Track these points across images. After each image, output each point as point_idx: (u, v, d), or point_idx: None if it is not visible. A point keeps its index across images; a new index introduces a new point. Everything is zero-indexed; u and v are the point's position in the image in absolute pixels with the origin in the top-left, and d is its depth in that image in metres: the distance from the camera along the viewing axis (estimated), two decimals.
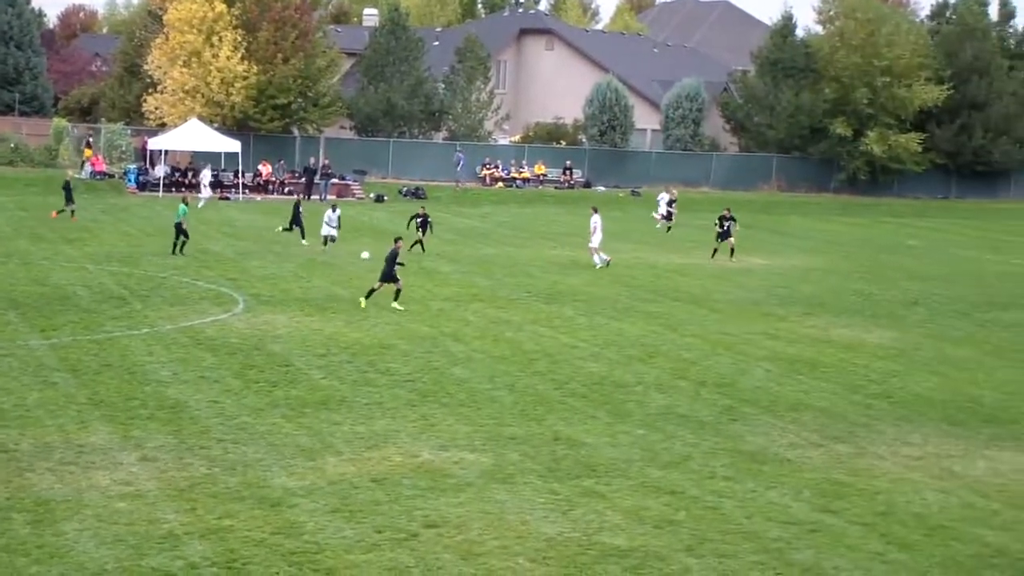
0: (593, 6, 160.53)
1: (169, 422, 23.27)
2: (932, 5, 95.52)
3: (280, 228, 51.06)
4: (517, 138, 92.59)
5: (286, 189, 72.52)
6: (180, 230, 45.16)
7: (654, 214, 64.14)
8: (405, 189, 74.95)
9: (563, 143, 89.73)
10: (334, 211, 48.14)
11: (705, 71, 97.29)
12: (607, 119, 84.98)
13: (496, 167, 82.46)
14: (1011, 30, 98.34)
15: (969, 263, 53.79)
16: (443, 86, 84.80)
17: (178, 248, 45.06)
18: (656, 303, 39.76)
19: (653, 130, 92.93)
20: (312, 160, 73.31)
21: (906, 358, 32.81)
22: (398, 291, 36.66)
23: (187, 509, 18.65)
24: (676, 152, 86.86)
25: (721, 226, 50.86)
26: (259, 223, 47.40)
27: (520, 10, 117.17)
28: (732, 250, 50.44)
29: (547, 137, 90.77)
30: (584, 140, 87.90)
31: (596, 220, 47.01)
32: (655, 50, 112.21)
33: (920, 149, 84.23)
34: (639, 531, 18.86)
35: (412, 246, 47.29)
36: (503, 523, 18.91)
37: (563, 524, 18.99)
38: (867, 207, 78.99)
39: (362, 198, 72.51)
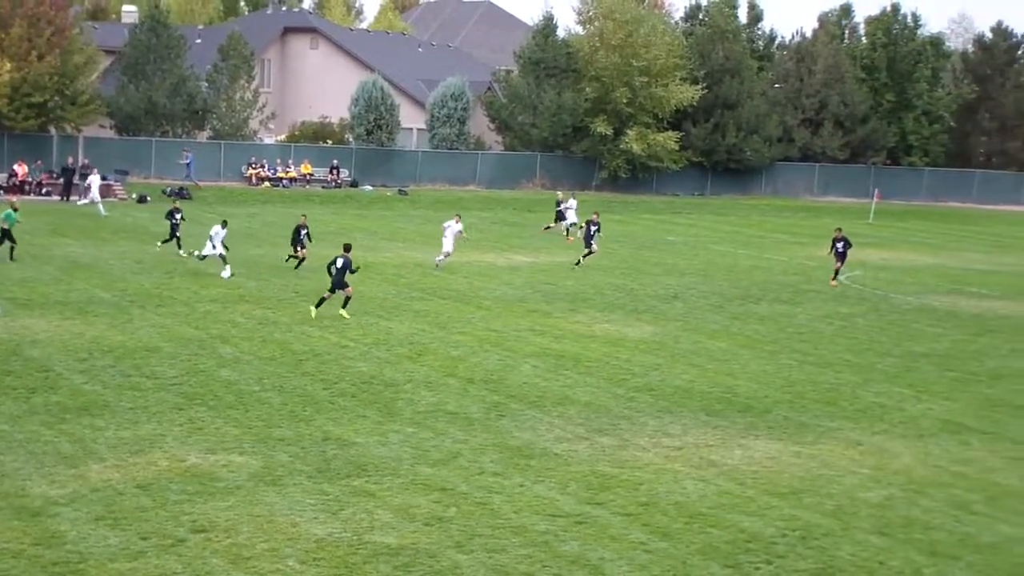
0: (357, 5, 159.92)
1: None
2: (686, 7, 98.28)
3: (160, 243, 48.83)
4: (283, 137, 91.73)
5: (44, 190, 70.42)
6: (6, 235, 44.39)
7: (562, 223, 61.48)
8: (169, 189, 73.53)
9: (329, 142, 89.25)
10: (223, 227, 43.98)
11: (469, 70, 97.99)
12: (373, 118, 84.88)
13: (262, 166, 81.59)
14: (759, 32, 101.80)
15: (724, 258, 55.54)
16: (206, 85, 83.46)
17: (12, 254, 44.29)
18: (424, 301, 40.00)
19: (419, 129, 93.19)
20: (71, 160, 71.30)
21: (666, 351, 33.75)
22: (347, 299, 36.49)
23: None
24: (442, 151, 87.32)
25: (588, 231, 50.96)
26: (17, 226, 46.06)
27: (284, 8, 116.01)
28: (589, 253, 50.47)
29: (313, 136, 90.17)
30: (351, 139, 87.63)
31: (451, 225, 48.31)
32: (420, 49, 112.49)
33: (677, 147, 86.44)
34: (409, 529, 19.03)
35: (289, 259, 46.31)
36: (272, 525, 18.86)
37: (333, 524, 19.04)
38: (628, 204, 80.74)
39: (124, 199, 70.88)
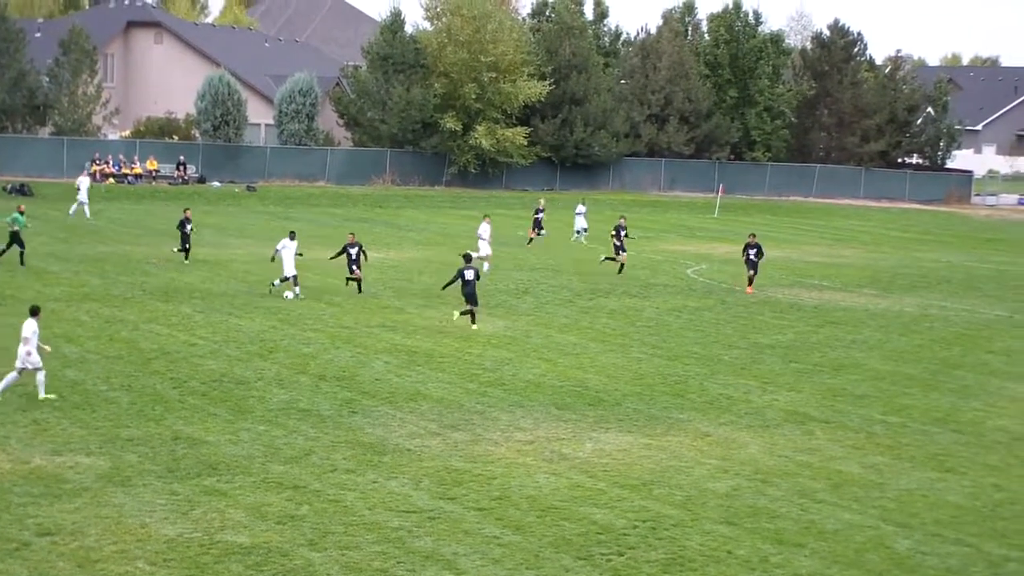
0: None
1: None
2: (532, 3, 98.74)
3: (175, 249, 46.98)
4: (128, 133, 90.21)
5: None
6: (15, 239, 44.05)
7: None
8: (10, 186, 71.80)
9: (176, 138, 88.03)
10: (292, 239, 40.50)
11: (317, 66, 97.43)
12: (220, 114, 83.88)
13: (106, 163, 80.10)
14: (605, 28, 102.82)
15: (573, 252, 55.97)
16: (47, 79, 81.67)
17: (22, 258, 43.98)
18: (275, 298, 39.66)
19: (267, 125, 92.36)
20: None
21: (517, 346, 33.97)
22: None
23: None
24: (291, 147, 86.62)
25: (617, 237, 49.50)
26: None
27: (127, 2, 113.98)
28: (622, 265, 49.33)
29: (159, 132, 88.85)
30: (197, 135, 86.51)
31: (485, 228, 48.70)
32: (266, 44, 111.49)
33: (526, 143, 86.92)
34: (261, 527, 18.91)
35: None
36: (121, 527, 18.59)
37: (184, 524, 18.84)
38: (478, 199, 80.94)
39: None
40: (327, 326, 35.50)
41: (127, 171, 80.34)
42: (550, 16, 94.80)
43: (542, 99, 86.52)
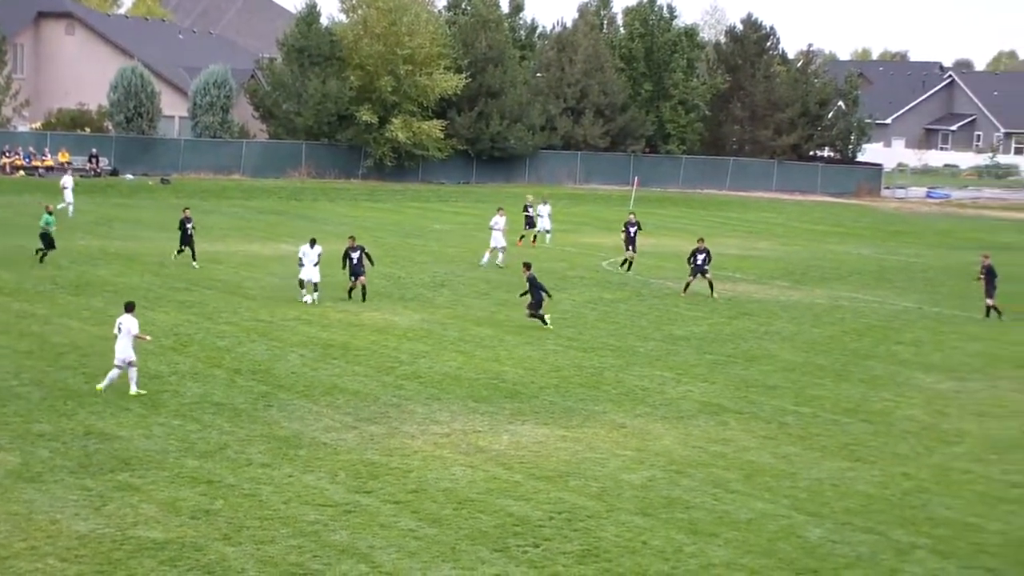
0: None
1: None
2: None
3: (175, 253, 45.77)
4: (38, 125, 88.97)
5: None
6: (46, 239, 43.85)
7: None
8: None
9: (88, 130, 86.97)
10: (312, 246, 39.03)
11: (232, 58, 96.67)
12: (133, 106, 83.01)
13: (17, 155, 78.95)
14: (521, 21, 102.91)
15: (489, 245, 55.90)
16: None
17: (43, 257, 43.75)
18: (189, 292, 39.37)
19: (181, 117, 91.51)
20: None
21: (434, 339, 33.98)
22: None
23: None
24: (206, 139, 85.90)
25: (628, 233, 49.31)
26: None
27: None
28: (629, 262, 49.26)
29: (71, 124, 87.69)
30: (110, 127, 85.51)
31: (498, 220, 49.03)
32: (180, 36, 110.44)
33: (442, 136, 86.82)
34: (175, 523, 18.79)
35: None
36: (31, 523, 18.39)
37: (96, 520, 18.67)
38: (394, 192, 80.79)
39: None
40: (242, 319, 35.29)
41: (38, 163, 79.26)
42: (466, 9, 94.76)
43: (458, 92, 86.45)
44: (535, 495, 21.06)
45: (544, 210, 58.34)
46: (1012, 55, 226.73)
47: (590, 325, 37.32)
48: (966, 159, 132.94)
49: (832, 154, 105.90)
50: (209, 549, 17.84)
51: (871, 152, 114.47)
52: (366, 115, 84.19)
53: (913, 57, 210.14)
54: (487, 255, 49.33)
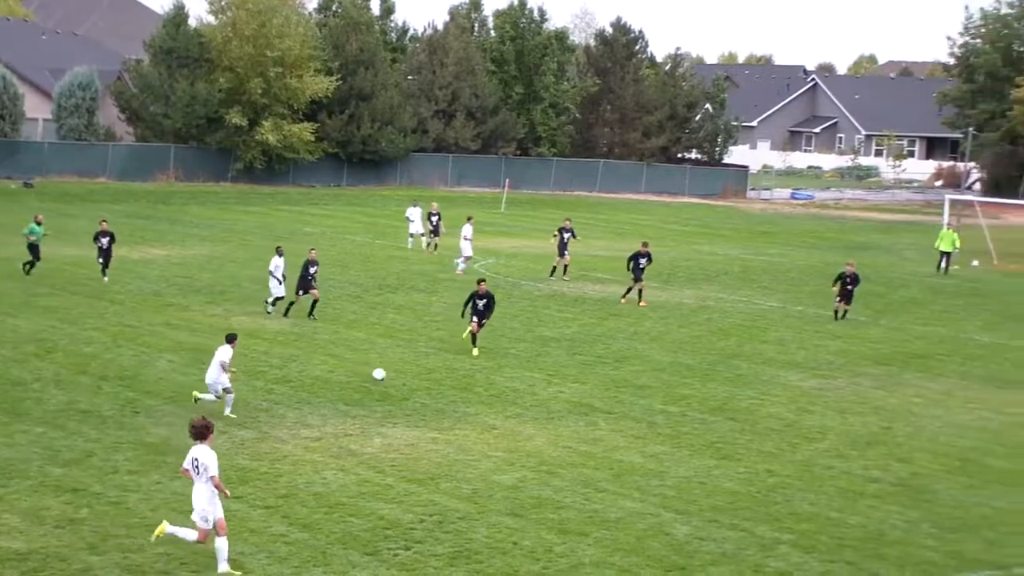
0: None
1: None
2: None
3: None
4: None
5: None
6: (34, 250, 42.46)
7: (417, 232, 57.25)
8: None
9: None
10: (280, 255, 38.31)
11: (98, 59, 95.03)
12: None
13: None
14: (392, 24, 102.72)
15: (361, 248, 55.88)
16: None
17: (31, 269, 42.34)
18: (53, 297, 38.72)
19: (45, 119, 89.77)
20: None
21: (305, 342, 33.84)
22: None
23: None
24: (71, 142, 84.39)
25: (561, 239, 49.03)
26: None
27: None
28: (565, 267, 49.00)
29: None
30: None
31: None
32: (44, 37, 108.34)
33: (313, 138, 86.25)
34: (39, 532, 18.52)
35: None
36: None
37: None
38: (264, 196, 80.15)
39: None
40: (109, 324, 34.81)
41: None
42: (336, 11, 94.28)
43: (329, 95, 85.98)
44: (406, 498, 21.11)
45: (415, 213, 58.23)
46: (872, 59, 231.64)
47: (462, 328, 37.39)
48: (829, 161, 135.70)
49: (700, 156, 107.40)
50: (74, 559, 17.62)
51: (737, 154, 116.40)
52: (236, 118, 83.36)
53: (778, 61, 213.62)
54: (462, 263, 49.55)
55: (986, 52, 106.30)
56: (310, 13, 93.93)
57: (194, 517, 17.71)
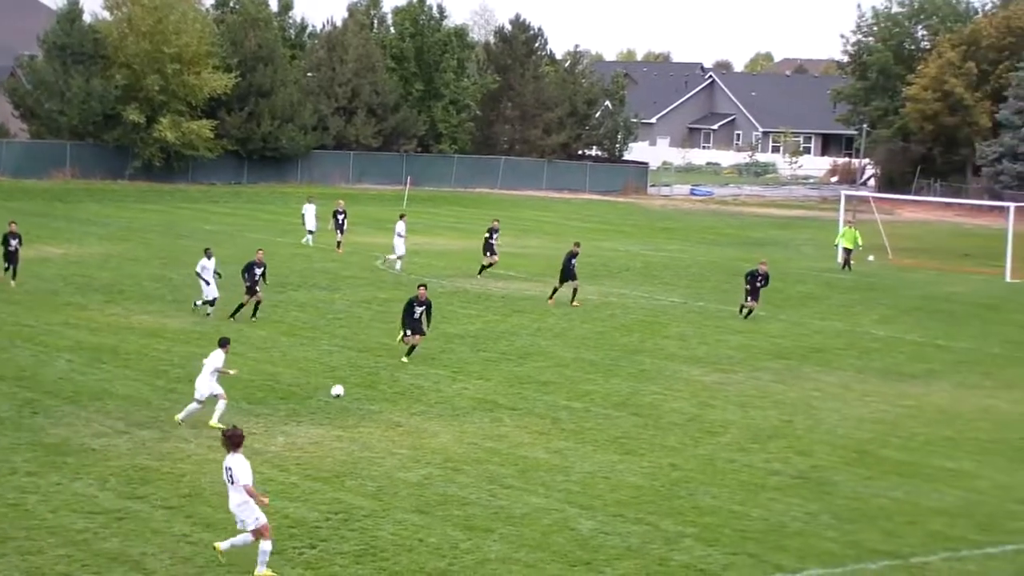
0: None
1: None
2: None
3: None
4: None
5: None
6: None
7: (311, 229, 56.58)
8: None
9: None
10: (209, 258, 38.09)
11: None
12: None
13: None
14: (291, 20, 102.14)
15: (262, 246, 55.28)
16: None
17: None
18: None
19: None
20: None
21: (207, 341, 33.32)
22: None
23: None
24: None
25: (489, 239, 48.79)
26: None
27: None
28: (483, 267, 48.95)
29: None
30: None
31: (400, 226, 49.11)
32: None
33: (212, 136, 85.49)
34: None
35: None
36: None
37: None
38: (164, 193, 79.30)
39: None
40: (5, 324, 34.26)
41: None
42: (234, 7, 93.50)
43: (228, 92, 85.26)
44: (311, 496, 21.04)
45: (310, 210, 57.95)
46: (768, 57, 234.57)
47: (365, 325, 37.36)
48: (727, 157, 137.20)
49: (600, 153, 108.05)
50: None
51: (637, 151, 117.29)
52: (133, 115, 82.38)
53: (676, 58, 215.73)
54: (399, 262, 49.58)
55: (878, 50, 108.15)
56: (207, 9, 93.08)
57: (238, 524, 17.97)
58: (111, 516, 19.49)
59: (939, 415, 29.19)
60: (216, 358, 25.45)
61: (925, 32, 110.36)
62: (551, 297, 43.05)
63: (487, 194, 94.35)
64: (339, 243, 55.21)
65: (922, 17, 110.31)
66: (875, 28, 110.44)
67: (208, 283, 37.60)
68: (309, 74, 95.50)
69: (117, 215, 66.22)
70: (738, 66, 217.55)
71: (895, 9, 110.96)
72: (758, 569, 18.80)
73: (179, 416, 25.23)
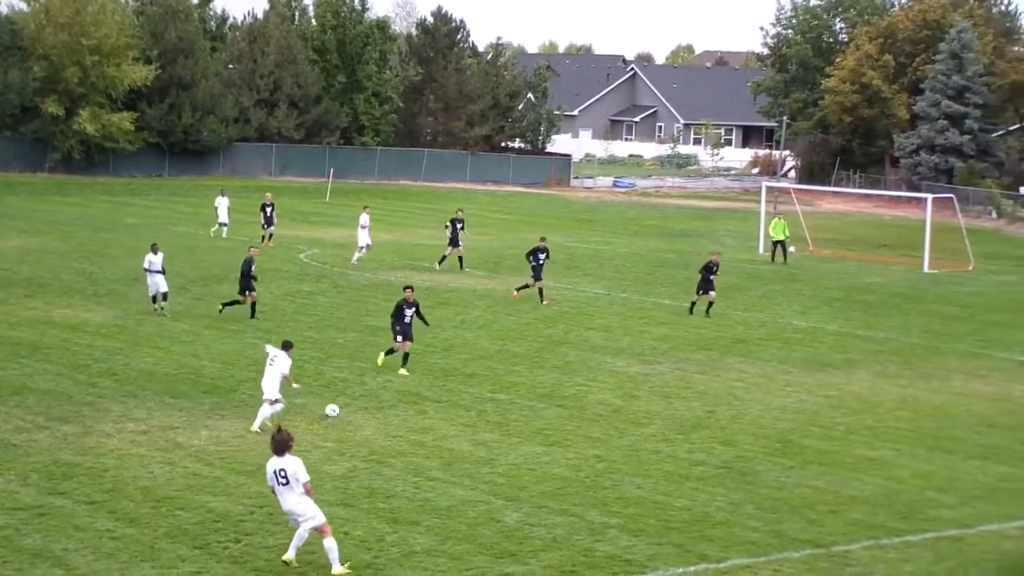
0: None
1: None
2: None
3: None
4: None
5: None
6: None
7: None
8: None
9: None
10: (156, 252, 37.11)
11: None
12: None
13: None
14: (211, 12, 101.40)
15: (184, 239, 55.04)
16: None
17: None
18: None
19: None
20: None
21: (129, 335, 33.29)
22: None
23: None
24: None
25: (452, 229, 49.18)
26: None
27: None
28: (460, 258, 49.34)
29: None
30: None
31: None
32: None
33: (133, 128, 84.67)
34: None
35: None
36: None
37: None
38: (84, 186, 78.44)
39: None
40: None
41: None
42: None
43: (148, 84, 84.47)
44: (236, 490, 20.96)
45: (223, 203, 57.50)
46: (689, 49, 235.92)
47: (289, 318, 37.22)
48: (649, 149, 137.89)
49: (523, 145, 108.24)
50: None
51: (560, 143, 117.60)
52: (52, 107, 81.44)
53: (597, 50, 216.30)
54: (359, 252, 49.54)
55: (798, 43, 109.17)
56: (127, 1, 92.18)
57: (292, 522, 18.01)
58: (32, 512, 19.31)
59: (859, 404, 29.57)
60: (284, 362, 25.00)
61: (843, 25, 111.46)
62: (518, 291, 42.63)
63: (410, 186, 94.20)
64: (268, 236, 54.77)
65: (840, 10, 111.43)
66: (794, 21, 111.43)
67: (157, 276, 36.66)
68: (230, 66, 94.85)
69: (36, 208, 65.43)
70: (659, 58, 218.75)
71: (814, 2, 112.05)
72: (683, 559, 18.96)
73: (254, 426, 24.66)
